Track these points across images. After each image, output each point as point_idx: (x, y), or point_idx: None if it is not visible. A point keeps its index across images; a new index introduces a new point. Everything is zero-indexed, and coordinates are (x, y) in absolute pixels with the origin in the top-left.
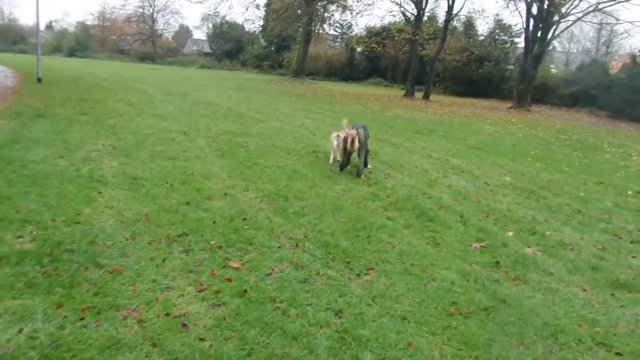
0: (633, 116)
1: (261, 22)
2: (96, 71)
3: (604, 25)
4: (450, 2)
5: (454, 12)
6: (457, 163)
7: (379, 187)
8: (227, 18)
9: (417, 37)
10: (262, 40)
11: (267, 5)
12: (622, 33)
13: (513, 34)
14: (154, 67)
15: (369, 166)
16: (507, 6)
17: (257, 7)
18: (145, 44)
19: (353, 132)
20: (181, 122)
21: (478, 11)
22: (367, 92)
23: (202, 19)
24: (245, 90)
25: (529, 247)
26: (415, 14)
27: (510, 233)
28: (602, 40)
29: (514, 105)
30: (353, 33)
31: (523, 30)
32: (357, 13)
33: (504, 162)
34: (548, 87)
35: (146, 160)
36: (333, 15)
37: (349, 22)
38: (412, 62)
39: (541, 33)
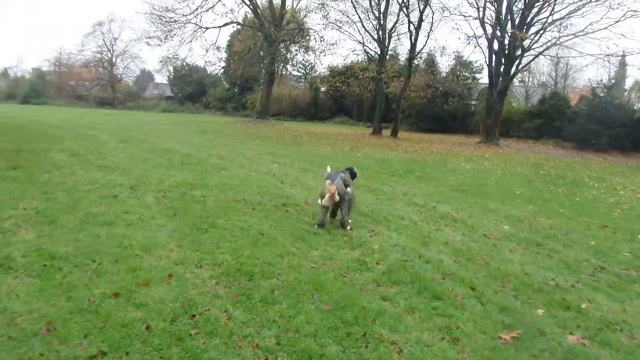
0: (598, 147)
1: (223, 64)
2: (48, 118)
3: (560, 58)
4: (413, 40)
5: (417, 49)
6: (446, 210)
7: (365, 249)
8: (187, 61)
9: (381, 75)
10: (224, 82)
11: (228, 47)
12: (585, 66)
13: (474, 69)
14: (113, 113)
15: (349, 222)
16: (469, 43)
17: (218, 49)
18: (105, 89)
19: (331, 187)
20: (130, 174)
21: (440, 49)
22: (334, 131)
23: (161, 62)
24: (208, 134)
25: (571, 334)
26: (379, 52)
27: (540, 311)
28: (560, 73)
29: (482, 140)
30: (316, 73)
31: (486, 65)
32: (320, 52)
33: (495, 206)
34: (513, 121)
35: (74, 228)
36: (296, 55)
37: (312, 63)
38: (378, 100)
39: (504, 68)
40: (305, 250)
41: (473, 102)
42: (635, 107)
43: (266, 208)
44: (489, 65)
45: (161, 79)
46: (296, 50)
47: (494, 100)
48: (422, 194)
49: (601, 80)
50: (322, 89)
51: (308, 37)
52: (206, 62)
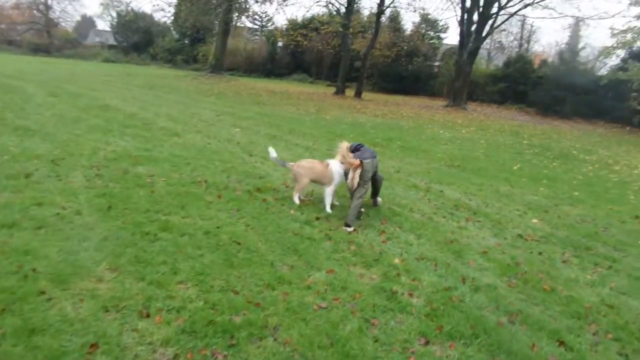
0: (562, 113)
1: (172, 11)
2: None
3: (526, 20)
4: None
5: (387, 2)
6: (455, 196)
7: (385, 267)
8: (132, 6)
9: (348, 29)
10: (174, 32)
11: None
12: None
13: (439, 28)
14: (47, 61)
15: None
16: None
17: None
18: (40, 35)
19: (355, 161)
20: (55, 140)
21: (406, 4)
22: (294, 89)
23: (102, 4)
24: (156, 89)
25: None
26: (346, 5)
27: None
28: (524, 36)
29: (449, 103)
30: (273, 26)
31: (457, 23)
32: (283, 0)
33: (504, 188)
34: (477, 84)
35: None
36: (252, 6)
37: (269, 15)
38: (343, 57)
39: (477, 27)
40: (303, 272)
41: (437, 63)
42: (599, 73)
43: (236, 195)
44: (461, 24)
45: (103, 25)
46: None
47: (463, 61)
48: (418, 172)
49: (567, 44)
50: (280, 43)
51: None
52: (154, 6)
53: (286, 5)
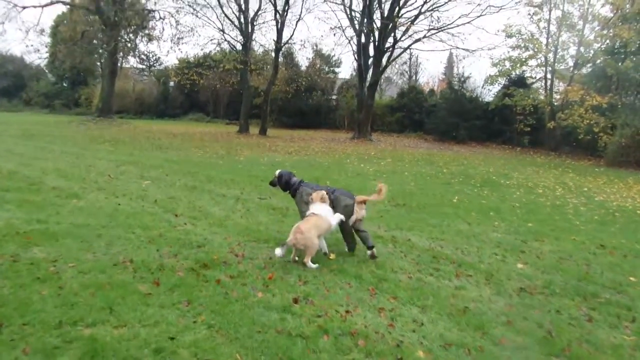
0: (457, 138)
1: (47, 53)
2: None
3: (412, 54)
4: (279, 28)
5: (285, 39)
6: (425, 244)
7: None
8: None
9: (247, 66)
10: (49, 74)
11: (53, 34)
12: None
13: (333, 63)
14: None
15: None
16: (334, 34)
17: (42, 32)
18: None
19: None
20: None
21: (301, 41)
22: (193, 130)
23: None
24: (36, 139)
25: None
26: (242, 42)
27: None
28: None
29: (355, 135)
30: (161, 66)
31: (354, 58)
32: (177, 39)
33: (463, 227)
34: (375, 115)
35: None
36: (138, 45)
37: (156, 55)
38: (244, 94)
39: (374, 60)
40: None
41: (334, 97)
42: (484, 100)
43: (179, 278)
44: (358, 59)
45: None
46: (139, 39)
47: (364, 94)
48: (369, 217)
49: (462, 74)
50: (172, 83)
51: (160, 19)
52: (27, 46)
53: (181, 44)
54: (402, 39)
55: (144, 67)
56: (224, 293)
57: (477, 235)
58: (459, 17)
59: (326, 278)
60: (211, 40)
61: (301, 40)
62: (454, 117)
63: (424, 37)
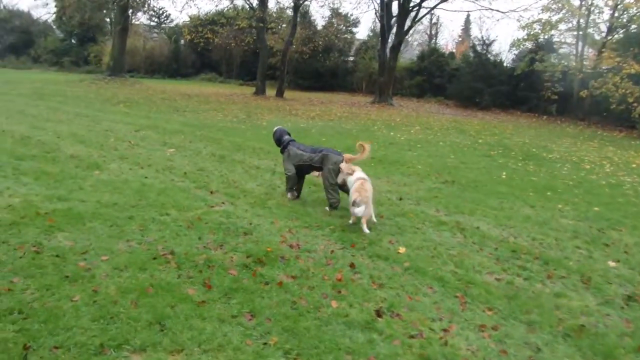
0: (481, 105)
1: (52, 7)
2: None
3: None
4: None
5: None
6: (496, 233)
7: None
8: (4, 1)
9: (264, 23)
10: (58, 31)
11: None
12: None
13: (351, 23)
14: None
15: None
16: None
17: None
18: None
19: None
20: None
21: None
22: (208, 91)
23: None
24: (47, 99)
25: None
26: None
27: None
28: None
29: (375, 99)
30: (172, 23)
31: (377, 18)
32: None
33: (528, 211)
34: (395, 78)
35: None
36: (146, 2)
37: (167, 11)
38: (261, 54)
39: (398, 20)
40: None
41: (351, 58)
42: (509, 65)
43: (233, 279)
44: (381, 19)
45: None
46: None
47: (386, 56)
48: (423, 197)
49: (487, 37)
50: (182, 41)
51: None
52: (34, 4)
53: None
54: None
55: (154, 24)
56: (290, 301)
57: (547, 221)
58: None
59: (402, 279)
60: None
61: None
62: (478, 82)
63: None
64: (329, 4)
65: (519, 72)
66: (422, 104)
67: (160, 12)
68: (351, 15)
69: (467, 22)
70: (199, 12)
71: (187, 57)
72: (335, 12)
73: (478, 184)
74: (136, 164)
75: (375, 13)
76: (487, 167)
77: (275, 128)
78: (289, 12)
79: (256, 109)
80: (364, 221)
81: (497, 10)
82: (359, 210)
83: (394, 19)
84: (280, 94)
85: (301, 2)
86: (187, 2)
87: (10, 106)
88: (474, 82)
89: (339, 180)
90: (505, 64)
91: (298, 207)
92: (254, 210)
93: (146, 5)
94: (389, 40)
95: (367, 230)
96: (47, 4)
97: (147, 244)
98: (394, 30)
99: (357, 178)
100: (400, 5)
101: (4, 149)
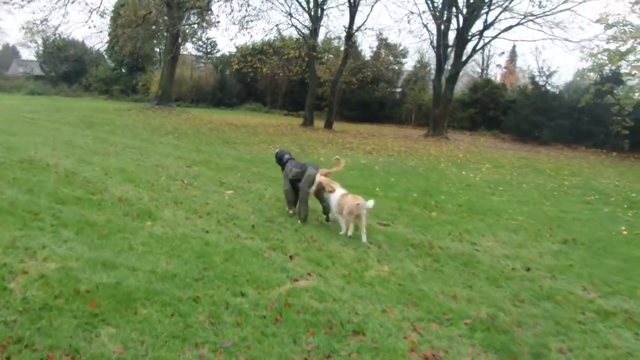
0: (542, 139)
1: (105, 36)
2: None
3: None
4: (352, 11)
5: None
6: None
7: None
8: (61, 31)
9: (314, 54)
10: (108, 60)
11: (113, 19)
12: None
13: (399, 53)
14: None
15: None
16: (409, 21)
17: (102, 15)
18: None
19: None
20: None
21: (372, 28)
22: (254, 121)
23: (24, 29)
24: (95, 128)
25: None
26: (311, 27)
27: None
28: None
29: (429, 132)
30: (218, 53)
31: (431, 48)
32: (245, 21)
33: None
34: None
35: None
36: (197, 31)
37: (214, 41)
38: (310, 85)
39: (456, 50)
40: None
41: (399, 89)
42: (572, 98)
43: None
44: (437, 48)
45: (28, 54)
46: (198, 25)
47: (445, 87)
48: (553, 267)
49: (541, 68)
50: (227, 71)
51: (227, 0)
52: (90, 27)
53: (249, 27)
54: (496, 23)
55: (201, 54)
56: None
57: None
58: (564, 2)
59: None
60: (277, 25)
61: (372, 27)
62: (537, 116)
63: (518, 24)
64: (377, 34)
65: (583, 104)
66: (476, 137)
67: (208, 42)
68: (399, 45)
69: (513, 52)
70: (251, 39)
71: (233, 86)
72: (383, 43)
73: (602, 243)
74: (193, 211)
75: (431, 42)
76: (596, 219)
77: (277, 150)
78: (335, 42)
79: (308, 142)
80: (364, 229)
81: (568, 40)
82: (370, 203)
83: (449, 49)
84: (329, 125)
85: (354, 32)
86: (240, 30)
87: (58, 136)
88: (533, 115)
89: (312, 190)
90: (566, 96)
91: (407, 282)
92: (352, 287)
93: (197, 35)
94: (445, 70)
95: (365, 240)
96: (101, 31)
97: (225, 352)
98: (450, 60)
99: (341, 195)
100: (458, 34)
101: (45, 188)
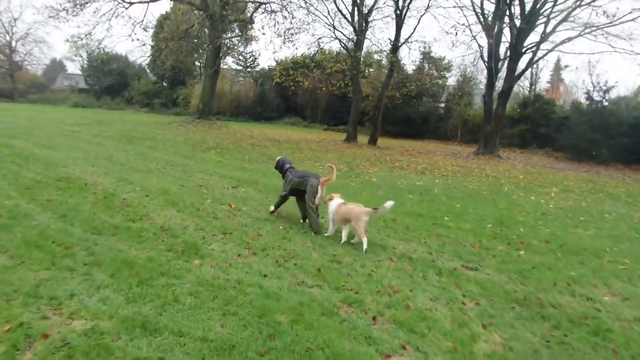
0: (600, 158)
1: (149, 52)
2: None
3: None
4: (399, 24)
5: (402, 38)
6: None
7: None
8: (104, 45)
9: (358, 68)
10: (150, 74)
11: (155, 34)
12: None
13: (443, 67)
14: (6, 107)
15: None
16: (456, 33)
17: (145, 29)
18: (3, 79)
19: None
20: None
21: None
22: (295, 136)
23: (68, 41)
24: (136, 142)
25: None
26: (354, 40)
27: None
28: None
29: (480, 149)
30: (258, 67)
31: (482, 61)
32: (289, 34)
33: None
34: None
35: None
36: (238, 45)
37: (253, 55)
38: (354, 99)
39: (509, 64)
40: None
41: (442, 104)
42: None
43: None
44: (488, 61)
45: (73, 68)
46: (238, 40)
47: (497, 103)
48: None
49: (598, 82)
50: (267, 85)
51: (272, 12)
52: (133, 40)
53: (293, 39)
54: (554, 33)
55: (240, 67)
56: None
57: None
58: (630, 12)
59: None
60: (319, 38)
61: (417, 40)
62: (595, 133)
63: (579, 35)
64: (420, 47)
65: None
66: (528, 155)
67: (248, 55)
68: (443, 58)
69: (557, 66)
70: (296, 51)
71: (272, 100)
72: (426, 56)
73: None
74: (245, 245)
75: (481, 56)
76: None
77: (278, 158)
78: (377, 56)
79: (355, 159)
80: (364, 237)
81: (634, 53)
82: (389, 204)
83: (500, 62)
84: (373, 141)
85: (400, 44)
86: (284, 43)
87: (99, 151)
88: (591, 133)
89: (317, 201)
90: (626, 113)
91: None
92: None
93: (239, 49)
94: (495, 85)
95: (365, 246)
96: (144, 44)
97: None
98: (501, 74)
99: (338, 204)
100: (512, 47)
101: (81, 213)
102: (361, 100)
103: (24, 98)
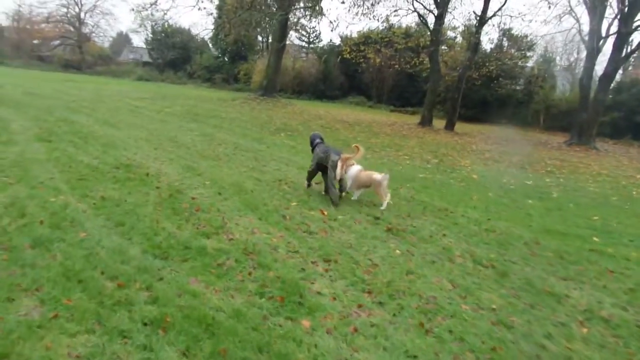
0: None
1: (211, 25)
2: None
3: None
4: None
5: (489, 12)
6: None
7: None
8: (168, 19)
9: (439, 45)
10: (212, 48)
11: (219, 7)
12: None
13: (525, 45)
14: (73, 78)
15: None
16: (549, 6)
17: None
18: (72, 51)
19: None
20: None
21: (512, 16)
22: (364, 117)
23: (133, 10)
24: (201, 121)
25: None
26: (436, 13)
27: None
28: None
29: (572, 139)
30: (321, 43)
31: (581, 40)
32: (372, 4)
33: None
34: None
35: None
36: (308, 19)
37: (317, 31)
38: (432, 79)
39: (616, 43)
40: None
41: (519, 87)
42: None
43: None
44: (590, 40)
45: (138, 41)
46: (305, 11)
47: (599, 87)
48: None
49: None
50: (331, 62)
51: None
52: (199, 9)
53: (368, 14)
54: None
55: (303, 43)
56: None
57: None
58: None
59: None
60: (394, 11)
61: (503, 14)
62: None
63: None
64: (501, 24)
65: None
66: (623, 147)
67: (311, 31)
68: (525, 37)
69: None
70: (370, 23)
71: (336, 78)
72: (506, 33)
73: None
74: (361, 284)
75: (579, 32)
76: None
77: (312, 133)
78: (450, 33)
79: (439, 148)
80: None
81: None
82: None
83: (602, 41)
84: (450, 126)
85: (488, 18)
86: (356, 14)
87: (163, 130)
88: None
89: (337, 176)
90: None
91: None
92: None
93: (306, 23)
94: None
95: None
96: (211, 13)
97: None
98: (610, 54)
99: (358, 169)
100: (620, 24)
101: (142, 220)
102: (439, 81)
103: (91, 70)
